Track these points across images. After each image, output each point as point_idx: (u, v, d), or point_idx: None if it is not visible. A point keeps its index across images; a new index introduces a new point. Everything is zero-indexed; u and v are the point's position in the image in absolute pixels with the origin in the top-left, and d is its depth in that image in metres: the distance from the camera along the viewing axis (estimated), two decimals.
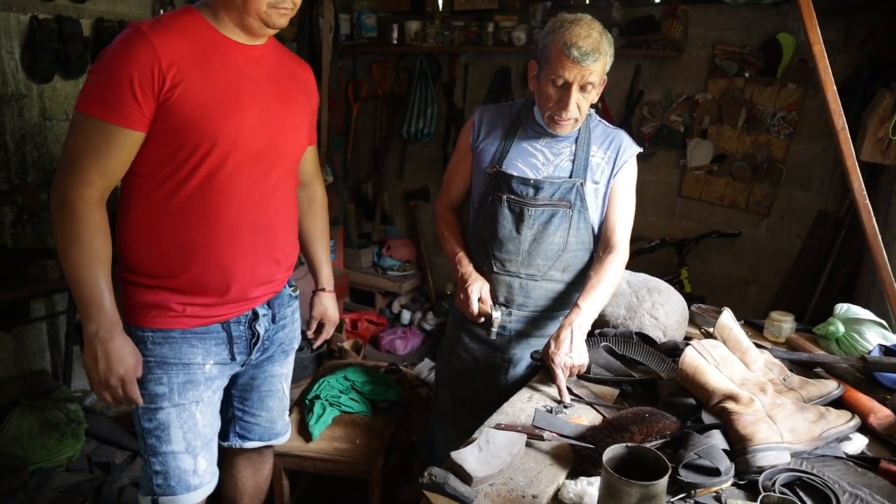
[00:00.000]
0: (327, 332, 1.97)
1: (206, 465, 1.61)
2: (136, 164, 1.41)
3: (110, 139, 1.34)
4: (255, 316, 1.61)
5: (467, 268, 1.79)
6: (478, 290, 1.73)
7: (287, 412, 1.90)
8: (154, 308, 1.48)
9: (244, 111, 1.45)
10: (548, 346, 1.59)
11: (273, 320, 1.67)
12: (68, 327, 2.95)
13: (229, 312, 1.56)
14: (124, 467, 2.60)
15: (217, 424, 1.67)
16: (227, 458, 1.87)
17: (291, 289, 1.77)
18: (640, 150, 1.81)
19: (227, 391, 1.74)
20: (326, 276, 1.94)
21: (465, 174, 1.90)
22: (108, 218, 1.42)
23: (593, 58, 1.57)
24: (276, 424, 1.85)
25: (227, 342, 1.57)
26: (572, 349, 1.56)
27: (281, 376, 1.81)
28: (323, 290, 1.94)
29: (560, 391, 1.53)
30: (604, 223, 1.80)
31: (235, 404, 1.78)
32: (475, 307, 1.71)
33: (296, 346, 1.83)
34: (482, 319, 1.74)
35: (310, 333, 1.97)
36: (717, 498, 1.20)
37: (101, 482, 2.50)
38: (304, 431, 2.12)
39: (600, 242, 1.79)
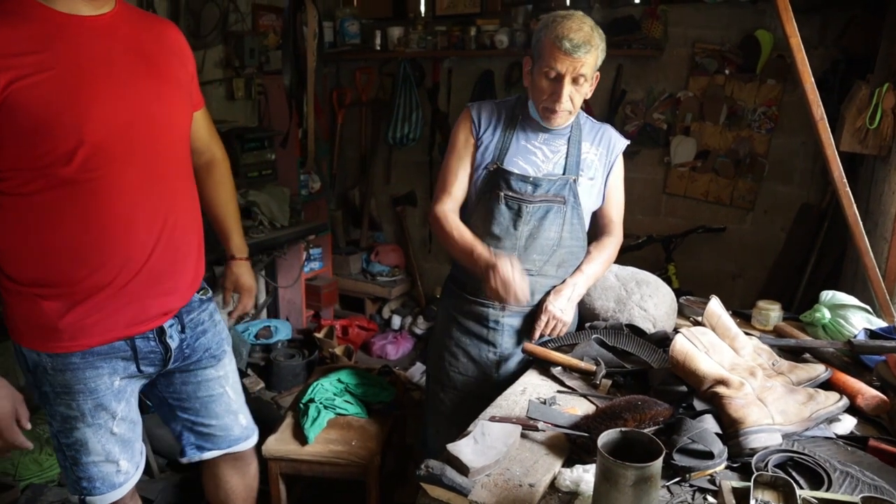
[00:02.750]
0: (245, 303, 1.86)
1: (127, 464, 1.56)
2: None
3: None
4: (163, 329, 1.51)
5: (488, 253, 1.68)
6: (509, 267, 1.60)
7: (241, 416, 1.76)
8: (45, 330, 1.37)
9: (104, 94, 1.29)
10: (547, 294, 1.80)
11: (182, 329, 1.56)
12: None
13: (133, 325, 1.44)
14: None
15: (138, 421, 1.60)
16: (209, 470, 1.81)
17: (201, 293, 1.63)
18: (628, 142, 1.88)
19: (166, 404, 1.69)
20: (237, 243, 1.81)
21: (468, 169, 1.84)
22: None
23: (584, 50, 1.60)
24: (231, 430, 1.74)
25: (133, 358, 1.48)
26: (566, 305, 1.77)
27: (218, 380, 1.69)
28: (233, 258, 1.81)
29: (534, 332, 1.77)
30: (601, 215, 1.89)
31: (180, 415, 1.69)
32: (518, 287, 1.60)
33: (227, 347, 1.72)
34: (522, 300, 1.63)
35: (224, 303, 1.84)
36: (712, 480, 1.21)
37: None
38: (299, 435, 2.11)
39: (598, 230, 1.91)
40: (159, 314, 1.50)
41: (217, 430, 1.72)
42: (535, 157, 1.78)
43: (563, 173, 1.77)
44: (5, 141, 1.25)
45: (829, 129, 1.93)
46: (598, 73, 1.72)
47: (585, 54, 1.61)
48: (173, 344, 1.53)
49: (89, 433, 1.48)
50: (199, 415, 1.69)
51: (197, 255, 1.59)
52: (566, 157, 1.78)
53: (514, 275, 1.60)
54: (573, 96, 1.68)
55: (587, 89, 1.70)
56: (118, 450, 1.54)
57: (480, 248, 1.71)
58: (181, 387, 1.66)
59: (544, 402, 1.48)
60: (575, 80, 1.65)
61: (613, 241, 1.89)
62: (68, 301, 1.36)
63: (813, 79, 1.90)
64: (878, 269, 2.01)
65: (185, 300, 1.56)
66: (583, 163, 1.80)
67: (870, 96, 2.24)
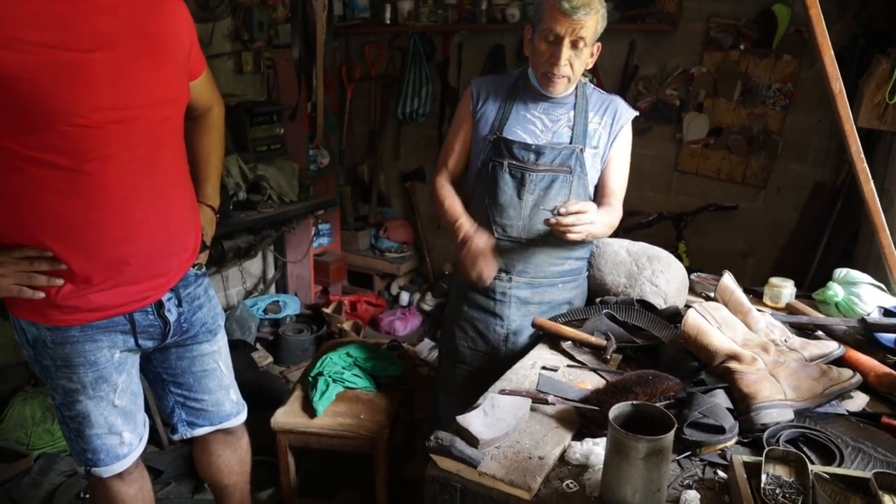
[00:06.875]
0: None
1: (130, 435, 1.59)
2: None
3: None
4: (161, 303, 1.52)
5: (469, 225, 1.78)
6: (483, 243, 1.73)
7: (231, 391, 1.79)
8: (43, 303, 1.37)
9: (104, 79, 1.28)
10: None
11: (179, 303, 1.57)
12: None
13: (131, 301, 1.46)
14: None
15: (139, 393, 1.62)
16: (201, 447, 1.82)
17: (196, 267, 1.64)
18: (636, 113, 1.84)
19: (160, 380, 1.70)
20: (207, 192, 1.75)
21: (464, 144, 1.90)
22: None
23: (584, 12, 1.59)
24: (223, 406, 1.76)
25: (131, 332, 1.50)
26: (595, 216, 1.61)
27: (212, 354, 1.71)
28: (199, 202, 1.72)
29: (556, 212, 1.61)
30: (600, 187, 1.84)
31: (173, 390, 1.71)
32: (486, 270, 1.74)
33: (221, 322, 1.73)
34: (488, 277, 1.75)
35: None
36: (723, 455, 1.21)
37: None
38: (308, 408, 2.12)
39: (597, 202, 1.81)
40: (156, 293, 1.51)
41: (209, 406, 1.74)
42: (533, 127, 1.78)
43: (570, 142, 1.76)
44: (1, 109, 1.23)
45: (847, 104, 1.89)
46: (599, 44, 1.69)
47: (585, 16, 1.59)
48: (172, 318, 1.55)
49: (91, 406, 1.50)
50: (192, 390, 1.71)
51: (194, 236, 1.59)
52: (572, 127, 1.76)
53: (485, 251, 1.71)
54: (572, 61, 1.66)
55: (587, 56, 1.68)
56: (120, 421, 1.56)
57: (464, 219, 1.80)
58: (176, 362, 1.67)
59: (555, 370, 1.48)
60: (574, 44, 1.63)
61: (612, 211, 1.78)
62: (65, 278, 1.37)
63: (832, 50, 1.86)
64: (893, 247, 1.98)
65: (181, 276, 1.57)
66: (587, 133, 1.78)
67: (890, 71, 2.19)
